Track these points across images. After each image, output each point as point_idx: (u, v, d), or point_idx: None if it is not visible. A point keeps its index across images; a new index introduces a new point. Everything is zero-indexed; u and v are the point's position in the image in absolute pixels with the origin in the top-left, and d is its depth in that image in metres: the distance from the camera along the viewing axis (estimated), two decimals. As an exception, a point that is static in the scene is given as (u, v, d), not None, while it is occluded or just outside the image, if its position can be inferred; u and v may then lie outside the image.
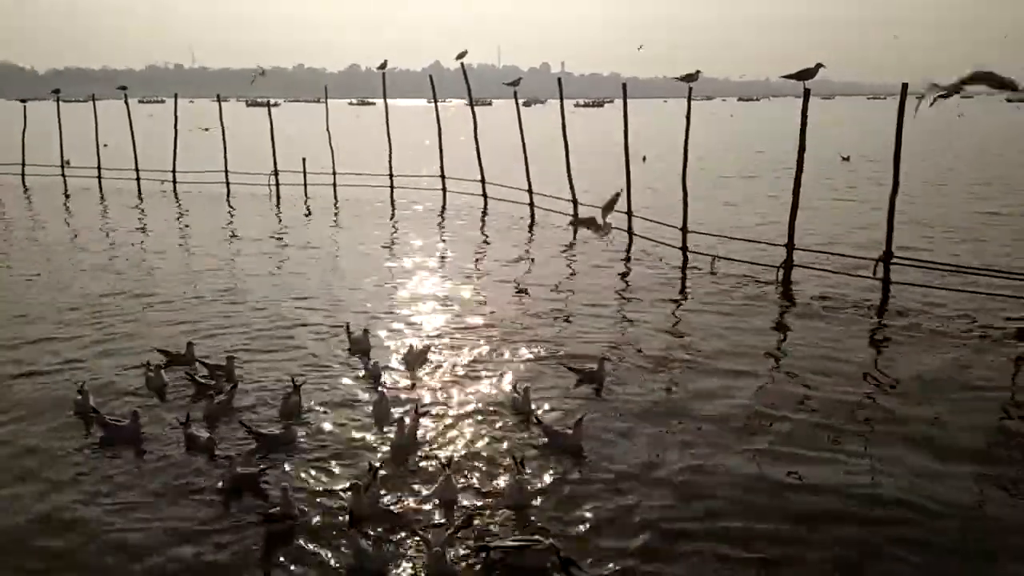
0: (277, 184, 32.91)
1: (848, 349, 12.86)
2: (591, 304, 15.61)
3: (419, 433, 9.53)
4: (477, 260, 20.44)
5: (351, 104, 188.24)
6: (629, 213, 21.45)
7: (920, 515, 7.88)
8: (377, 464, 8.51)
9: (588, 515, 7.90)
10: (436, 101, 30.54)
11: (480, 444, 9.52)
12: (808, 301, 15.65)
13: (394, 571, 7.00)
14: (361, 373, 11.61)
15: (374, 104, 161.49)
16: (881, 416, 10.23)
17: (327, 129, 32.74)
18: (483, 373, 11.78)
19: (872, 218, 21.03)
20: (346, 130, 47.87)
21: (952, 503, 8.09)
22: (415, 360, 11.94)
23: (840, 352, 12.69)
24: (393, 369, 11.92)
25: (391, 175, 31.59)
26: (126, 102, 35.62)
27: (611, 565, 7.06)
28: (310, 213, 28.56)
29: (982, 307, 14.72)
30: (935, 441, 9.47)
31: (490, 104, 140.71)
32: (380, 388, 10.81)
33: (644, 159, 36.42)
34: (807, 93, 16.50)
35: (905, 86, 15.40)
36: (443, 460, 8.61)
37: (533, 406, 10.21)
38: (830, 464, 8.97)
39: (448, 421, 10.11)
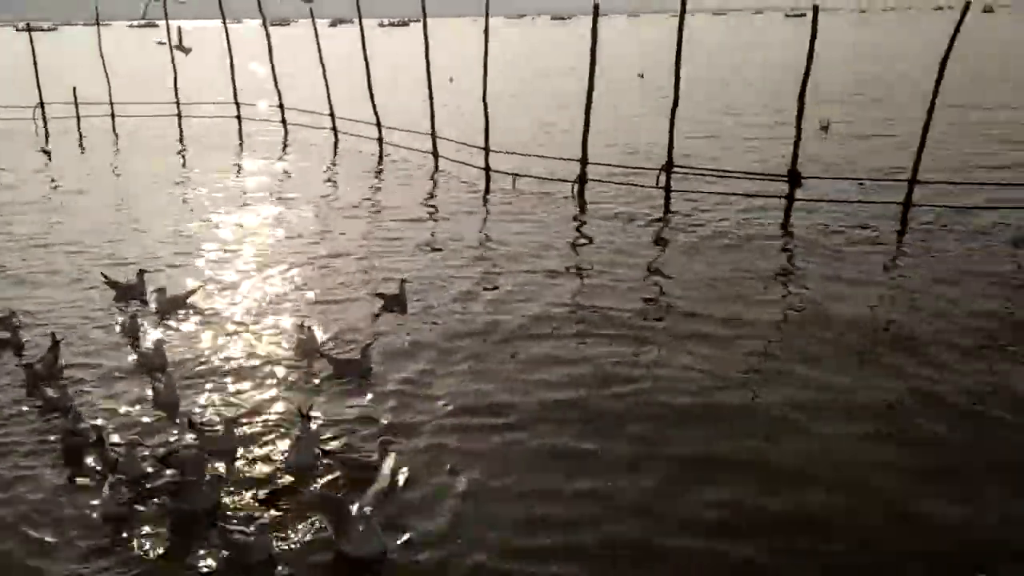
0: (44, 118, 29.47)
1: (633, 251, 14.05)
2: (395, 236, 15.52)
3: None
4: (279, 190, 19.75)
5: (131, 27, 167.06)
6: (433, 135, 21.49)
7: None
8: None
9: (382, 424, 8.23)
10: (225, 20, 28.44)
11: (264, 393, 9.05)
12: (600, 210, 16.78)
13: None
14: (118, 325, 10.73)
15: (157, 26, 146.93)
16: (662, 306, 11.39)
17: (101, 55, 29.55)
18: (272, 314, 11.38)
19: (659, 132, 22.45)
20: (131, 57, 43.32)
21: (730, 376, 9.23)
22: (168, 306, 11.19)
23: (628, 253, 13.86)
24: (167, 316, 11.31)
25: (178, 103, 29.37)
26: None
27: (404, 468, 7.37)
28: (83, 148, 26.04)
29: (752, 206, 16.58)
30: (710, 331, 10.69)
31: (288, 24, 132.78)
32: (138, 338, 10.30)
33: (451, 80, 36.24)
34: (596, 10, 17.19)
35: (683, 3, 16.50)
36: (224, 416, 8.28)
37: (320, 342, 10.05)
38: (614, 344, 9.99)
39: (228, 367, 9.65)
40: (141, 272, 12.03)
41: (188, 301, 11.47)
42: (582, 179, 17.97)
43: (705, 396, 8.77)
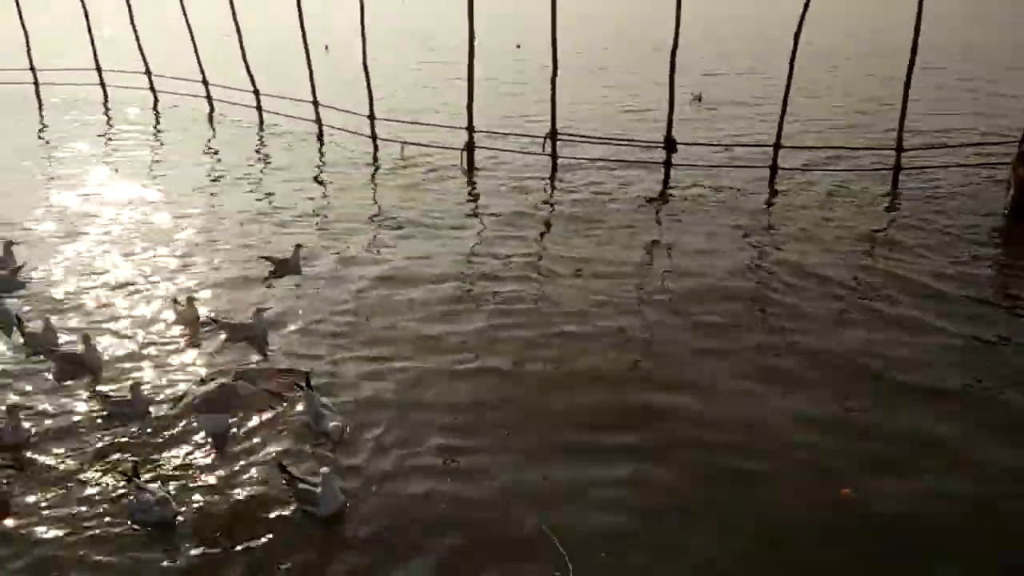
0: None
1: (517, 217, 14.55)
2: (282, 205, 15.38)
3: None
4: (154, 162, 18.93)
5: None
6: (315, 103, 21.05)
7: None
8: None
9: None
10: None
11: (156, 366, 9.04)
12: (488, 175, 17.14)
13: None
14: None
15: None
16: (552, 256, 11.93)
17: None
18: (150, 286, 11.20)
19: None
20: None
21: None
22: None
23: (514, 217, 14.39)
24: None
25: (33, 69, 27.24)
26: None
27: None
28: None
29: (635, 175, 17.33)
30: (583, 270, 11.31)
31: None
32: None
33: (326, 48, 35.34)
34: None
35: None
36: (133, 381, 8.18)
37: (203, 313, 9.98)
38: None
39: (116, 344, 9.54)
40: (8, 243, 11.41)
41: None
42: (470, 146, 18.20)
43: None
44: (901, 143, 16.31)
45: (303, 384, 7.87)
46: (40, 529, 6.32)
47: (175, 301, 10.00)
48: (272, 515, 6.50)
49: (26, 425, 7.47)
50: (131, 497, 6.48)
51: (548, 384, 8.56)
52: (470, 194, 16.00)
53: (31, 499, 6.66)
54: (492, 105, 23.50)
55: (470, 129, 18.10)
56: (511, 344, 9.41)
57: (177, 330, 9.72)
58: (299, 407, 7.80)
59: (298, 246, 11.70)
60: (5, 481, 6.80)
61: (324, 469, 6.53)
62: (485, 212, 14.74)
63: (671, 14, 16.03)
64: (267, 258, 11.68)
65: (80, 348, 8.62)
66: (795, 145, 17.57)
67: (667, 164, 17.16)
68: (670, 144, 17.17)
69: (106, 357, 8.90)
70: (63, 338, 9.25)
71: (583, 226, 13.85)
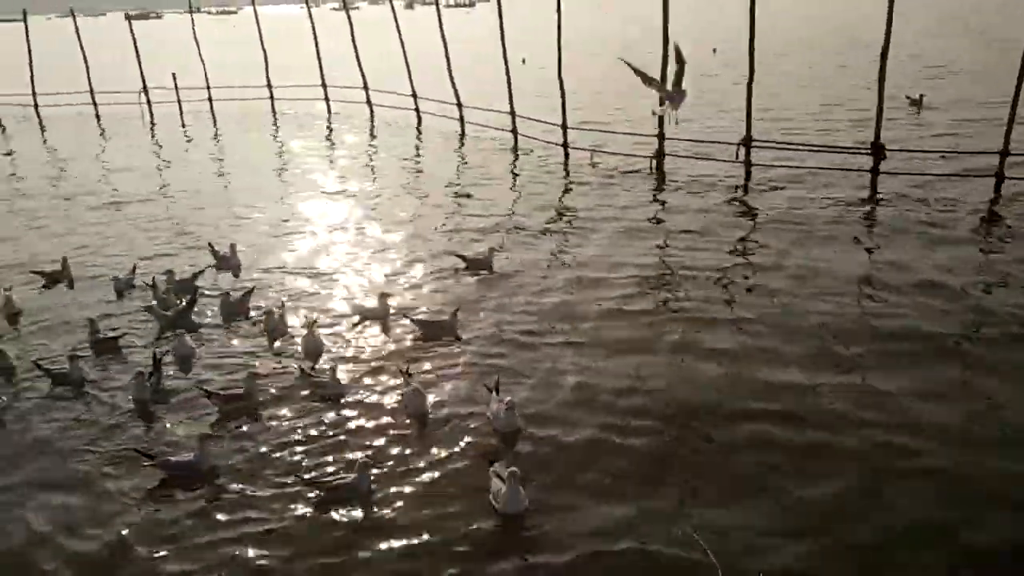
0: (149, 102, 31.32)
1: (712, 222, 14.21)
2: (475, 213, 16.27)
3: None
4: (366, 170, 20.69)
5: (130, 17, 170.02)
6: (512, 114, 21.92)
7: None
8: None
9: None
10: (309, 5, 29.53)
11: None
12: (678, 184, 16.96)
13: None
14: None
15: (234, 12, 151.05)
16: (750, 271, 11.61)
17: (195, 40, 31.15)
18: (352, 281, 12.29)
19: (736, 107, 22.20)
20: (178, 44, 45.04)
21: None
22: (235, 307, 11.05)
23: (707, 225, 14.00)
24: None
25: (270, 86, 30.68)
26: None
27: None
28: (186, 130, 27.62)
29: (832, 181, 16.32)
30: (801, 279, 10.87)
31: (357, 8, 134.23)
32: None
33: (523, 61, 36.57)
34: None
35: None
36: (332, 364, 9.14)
37: (393, 308, 10.71)
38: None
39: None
40: (233, 246, 12.98)
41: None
42: (660, 154, 18.10)
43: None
44: None
45: (491, 387, 8.22)
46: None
47: (382, 295, 10.85)
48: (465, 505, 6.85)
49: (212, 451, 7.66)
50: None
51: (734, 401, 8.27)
52: (658, 201, 15.90)
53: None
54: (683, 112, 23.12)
55: (660, 137, 18.02)
56: (705, 359, 9.12)
57: (371, 324, 10.55)
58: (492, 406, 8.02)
59: (491, 248, 12.40)
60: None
61: (512, 469, 6.65)
62: (673, 219, 14.56)
63: (882, 9, 15.02)
64: (462, 256, 12.43)
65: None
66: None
67: (874, 172, 16.05)
68: (878, 150, 16.07)
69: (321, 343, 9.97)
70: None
71: (780, 237, 13.17)
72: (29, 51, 30.29)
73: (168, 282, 11.62)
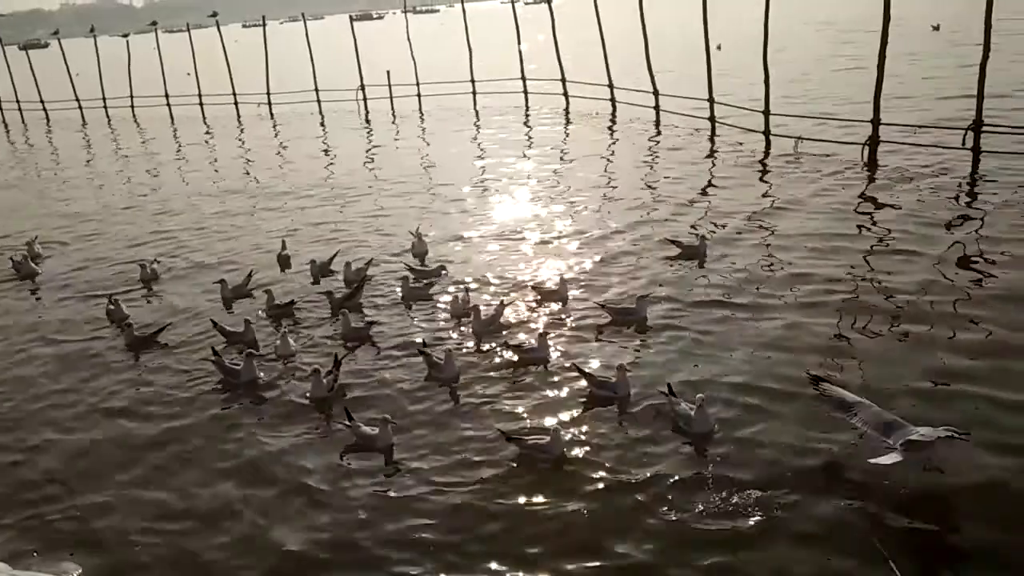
0: (365, 99, 33.90)
1: (935, 221, 13.05)
2: (679, 196, 16.28)
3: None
4: (560, 159, 21.25)
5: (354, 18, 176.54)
6: (711, 100, 21.49)
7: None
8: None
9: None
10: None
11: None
12: (896, 173, 15.86)
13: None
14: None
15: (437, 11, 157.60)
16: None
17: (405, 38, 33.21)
18: (547, 266, 12.87)
19: (959, 88, 20.29)
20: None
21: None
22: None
23: (929, 225, 12.91)
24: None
25: (473, 81, 32.12)
26: (218, 29, 36.97)
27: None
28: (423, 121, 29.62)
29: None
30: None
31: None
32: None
33: (719, 47, 35.46)
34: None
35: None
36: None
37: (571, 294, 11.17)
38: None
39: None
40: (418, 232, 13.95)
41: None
42: (874, 141, 16.97)
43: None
44: None
45: (665, 391, 8.14)
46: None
47: (562, 279, 11.30)
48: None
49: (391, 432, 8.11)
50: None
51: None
52: (868, 194, 14.95)
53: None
54: (899, 94, 21.50)
55: (875, 122, 16.86)
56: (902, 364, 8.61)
57: (553, 308, 10.94)
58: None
59: (703, 236, 12.43)
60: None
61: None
62: (886, 213, 13.68)
63: None
64: (673, 241, 12.52)
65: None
66: None
67: None
68: None
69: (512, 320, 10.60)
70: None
71: (1010, 235, 11.93)
72: (266, 53, 33.85)
73: (345, 270, 12.69)
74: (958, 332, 9.15)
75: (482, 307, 10.52)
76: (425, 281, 12.27)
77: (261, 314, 11.56)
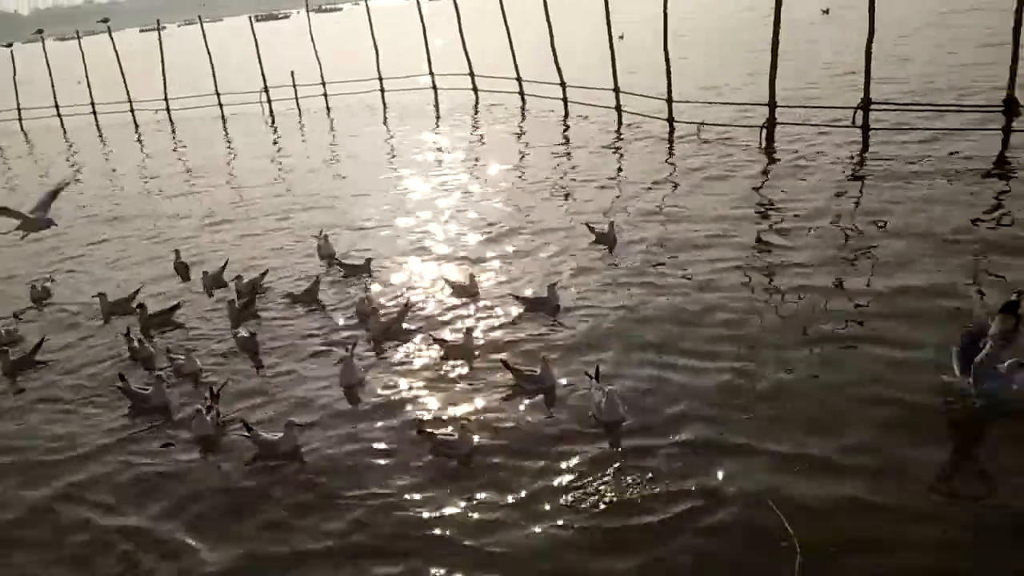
0: (269, 101, 33.05)
1: (828, 194, 13.67)
2: (584, 181, 16.44)
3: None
4: (477, 153, 21.16)
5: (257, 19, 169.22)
6: (616, 90, 21.81)
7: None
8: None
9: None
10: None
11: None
12: (792, 153, 16.44)
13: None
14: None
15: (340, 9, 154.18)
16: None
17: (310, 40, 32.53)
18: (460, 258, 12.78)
19: (848, 69, 21.18)
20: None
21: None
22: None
23: (822, 198, 13.51)
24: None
25: (380, 79, 31.70)
26: (110, 35, 35.43)
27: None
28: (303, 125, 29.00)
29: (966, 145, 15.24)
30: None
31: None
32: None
33: (622, 37, 36.03)
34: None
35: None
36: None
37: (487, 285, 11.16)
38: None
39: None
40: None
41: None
42: (771, 123, 17.54)
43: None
44: None
45: (591, 374, 8.11)
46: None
47: (470, 274, 11.19)
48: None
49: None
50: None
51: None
52: (766, 173, 15.47)
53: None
54: (793, 77, 22.28)
55: (771, 105, 17.44)
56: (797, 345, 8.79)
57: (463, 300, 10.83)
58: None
59: (612, 222, 12.52)
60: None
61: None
62: (784, 191, 14.15)
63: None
64: (590, 227, 12.57)
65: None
66: None
67: (1007, 130, 15.01)
68: (1012, 106, 15.01)
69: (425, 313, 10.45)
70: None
71: (899, 208, 12.46)
72: (162, 58, 32.64)
73: (236, 283, 11.98)
74: (848, 297, 9.53)
75: (394, 305, 10.32)
76: (352, 277, 12.08)
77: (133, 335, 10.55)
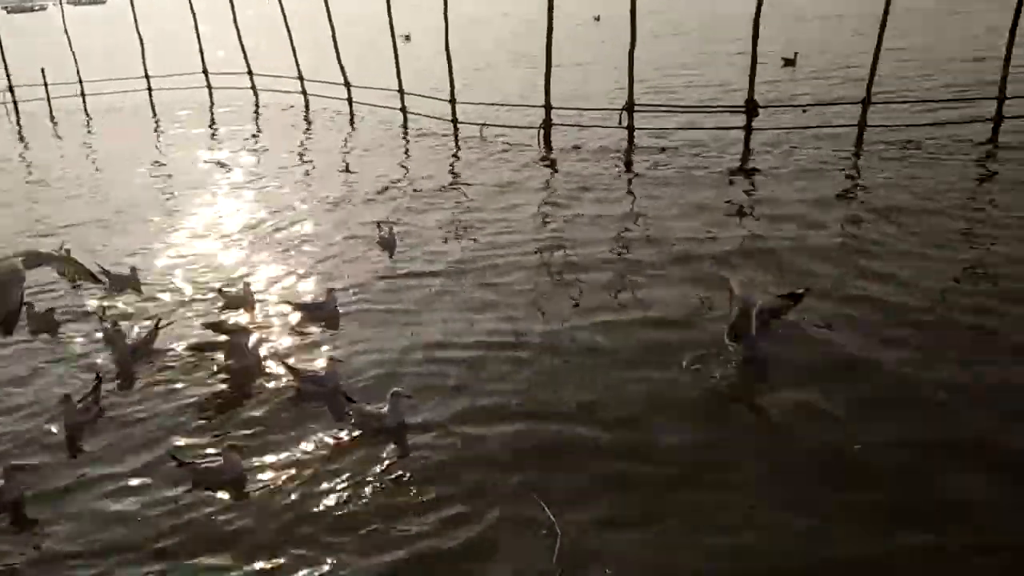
0: (15, 101, 29.39)
1: (599, 188, 14.58)
2: (372, 189, 16.15)
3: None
4: (252, 160, 20.12)
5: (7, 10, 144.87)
6: (401, 92, 21.69)
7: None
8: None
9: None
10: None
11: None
12: (567, 152, 17.30)
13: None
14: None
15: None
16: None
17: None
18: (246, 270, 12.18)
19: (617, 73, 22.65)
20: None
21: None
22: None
23: (594, 190, 14.41)
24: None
25: (147, 77, 29.26)
26: None
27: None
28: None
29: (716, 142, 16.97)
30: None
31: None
32: None
33: (407, 38, 36.19)
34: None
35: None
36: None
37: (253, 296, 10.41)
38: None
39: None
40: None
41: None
42: (547, 124, 18.31)
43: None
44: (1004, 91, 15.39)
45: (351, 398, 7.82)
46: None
47: (245, 283, 10.58)
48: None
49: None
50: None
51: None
52: (547, 169, 16.17)
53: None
54: (568, 80, 23.53)
55: (547, 107, 18.21)
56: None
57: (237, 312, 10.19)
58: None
59: (391, 226, 12.37)
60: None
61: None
62: (561, 186, 14.81)
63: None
64: (379, 226, 12.39)
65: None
66: (888, 100, 16.81)
67: (748, 128, 16.73)
68: (752, 107, 16.73)
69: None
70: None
71: (661, 199, 13.61)
72: None
73: None
74: (613, 290, 10.16)
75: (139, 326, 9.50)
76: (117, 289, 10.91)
77: None
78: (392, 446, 7.16)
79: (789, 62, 25.25)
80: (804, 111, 17.96)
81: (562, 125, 18.55)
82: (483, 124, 19.49)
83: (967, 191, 13.01)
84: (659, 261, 10.87)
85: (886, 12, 15.15)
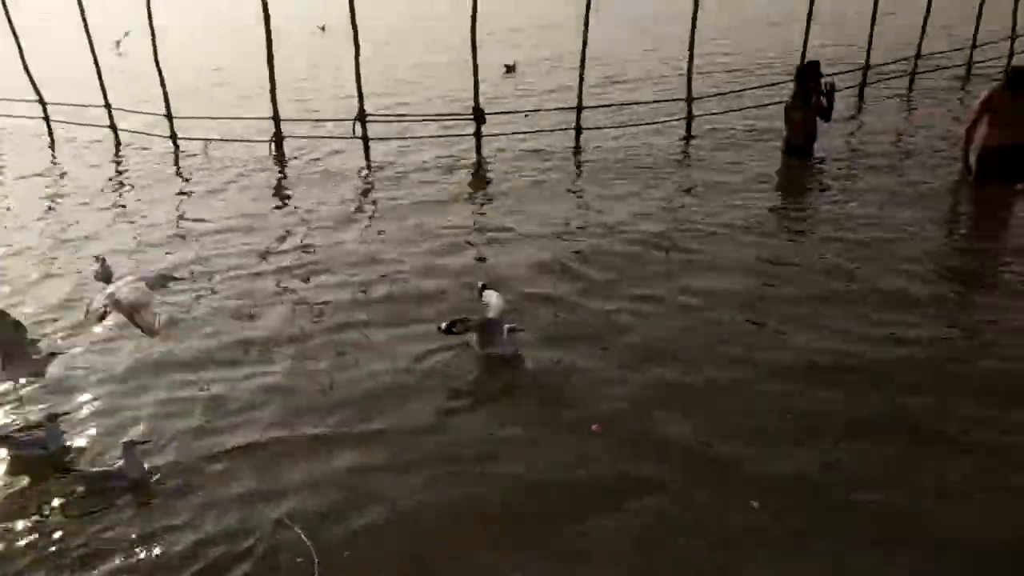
0: None
1: (338, 201, 14.41)
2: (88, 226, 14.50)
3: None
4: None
5: None
6: (108, 106, 19.68)
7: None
8: None
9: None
10: None
11: None
12: (300, 165, 16.96)
13: None
14: None
15: None
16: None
17: None
18: None
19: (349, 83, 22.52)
20: None
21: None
22: None
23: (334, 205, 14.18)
24: None
25: None
26: None
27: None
28: None
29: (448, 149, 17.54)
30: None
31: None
32: None
33: (118, 43, 33.18)
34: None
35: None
36: None
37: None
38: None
39: None
40: None
41: None
42: (278, 136, 17.72)
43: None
44: (692, 94, 17.65)
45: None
46: None
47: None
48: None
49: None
50: None
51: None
52: (283, 186, 15.60)
53: None
54: (297, 91, 23.01)
55: (276, 119, 17.62)
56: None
57: None
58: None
59: (103, 259, 10.76)
60: None
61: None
62: (305, 206, 14.30)
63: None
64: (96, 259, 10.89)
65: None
66: (600, 104, 18.51)
67: (478, 135, 17.46)
68: (479, 115, 17.46)
69: None
70: None
71: (398, 207, 13.80)
72: None
73: None
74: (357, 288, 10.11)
75: None
76: None
77: None
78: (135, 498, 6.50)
79: (510, 69, 26.72)
80: (527, 116, 19.13)
81: (295, 137, 18.08)
82: (207, 140, 18.40)
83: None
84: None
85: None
